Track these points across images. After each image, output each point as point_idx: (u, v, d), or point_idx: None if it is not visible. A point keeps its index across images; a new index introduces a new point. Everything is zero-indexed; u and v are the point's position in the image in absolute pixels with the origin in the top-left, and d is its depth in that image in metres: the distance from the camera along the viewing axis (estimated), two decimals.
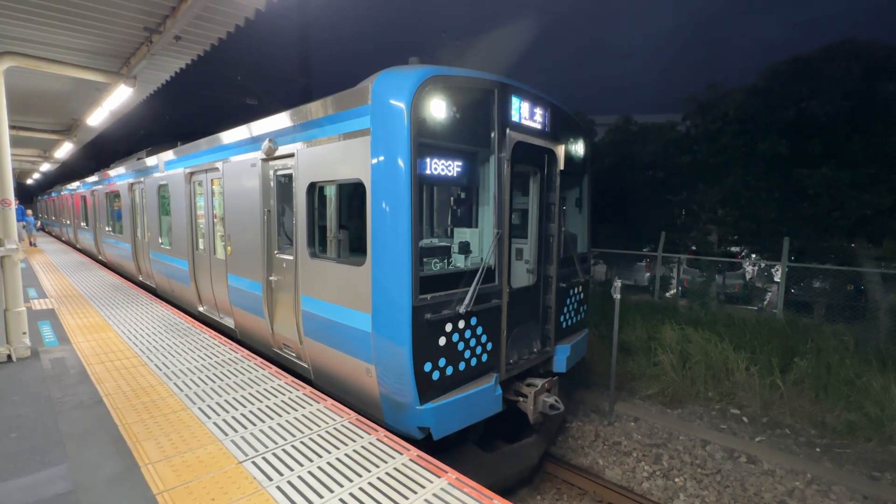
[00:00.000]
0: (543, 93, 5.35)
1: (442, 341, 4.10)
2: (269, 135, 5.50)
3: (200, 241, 7.78)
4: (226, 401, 4.24)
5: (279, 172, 5.53)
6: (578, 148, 6.22)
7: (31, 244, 19.04)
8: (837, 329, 8.19)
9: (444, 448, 4.41)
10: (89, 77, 6.86)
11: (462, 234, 4.97)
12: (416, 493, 2.90)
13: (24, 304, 5.45)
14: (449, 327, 4.14)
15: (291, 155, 5.12)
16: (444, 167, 4.18)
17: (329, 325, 4.62)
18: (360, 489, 2.92)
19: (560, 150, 5.51)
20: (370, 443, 3.54)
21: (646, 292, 13.40)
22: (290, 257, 5.25)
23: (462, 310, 4.16)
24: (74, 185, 19.46)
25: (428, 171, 4.04)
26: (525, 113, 4.90)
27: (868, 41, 10.80)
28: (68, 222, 21.45)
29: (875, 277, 9.08)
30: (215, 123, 9.59)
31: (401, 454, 3.38)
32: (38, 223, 23.09)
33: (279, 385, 4.68)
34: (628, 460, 6.39)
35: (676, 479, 5.95)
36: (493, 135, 4.55)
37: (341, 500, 2.82)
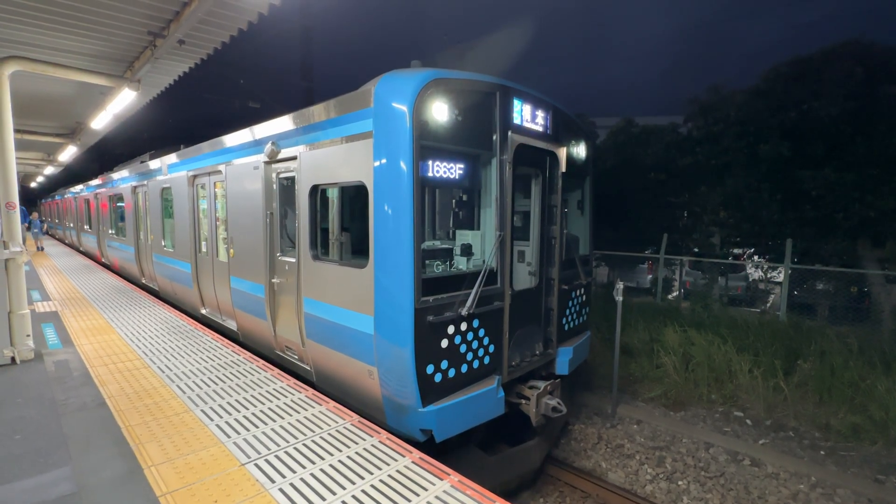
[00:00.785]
0: (545, 95, 5.37)
1: (444, 343, 4.10)
2: (271, 138, 5.53)
3: (203, 243, 7.80)
4: (228, 403, 4.24)
5: (282, 175, 5.55)
6: (580, 150, 6.22)
7: (38, 248, 18.58)
8: (841, 331, 8.16)
9: (446, 451, 4.40)
10: (93, 81, 6.90)
11: (464, 236, 4.98)
12: (418, 495, 2.90)
13: (28, 306, 5.47)
14: (451, 329, 4.14)
15: (294, 158, 5.14)
16: (446, 170, 4.19)
17: (331, 328, 4.62)
18: (363, 491, 2.92)
19: (562, 153, 5.52)
20: (372, 445, 3.54)
21: (648, 294, 13.38)
22: (293, 260, 5.26)
23: (464, 312, 4.16)
24: (78, 188, 19.55)
25: (430, 174, 4.05)
26: (527, 115, 4.91)
27: (870, 43, 10.79)
28: (72, 225, 21.53)
29: (879, 279, 9.05)
30: (218, 127, 9.63)
31: (403, 457, 3.38)
32: (45, 226, 22.62)
33: (281, 387, 4.68)
34: (631, 463, 6.37)
35: (680, 483, 5.93)
36: (494, 137, 4.56)
37: (343, 502, 2.81)
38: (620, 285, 7.08)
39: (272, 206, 5.70)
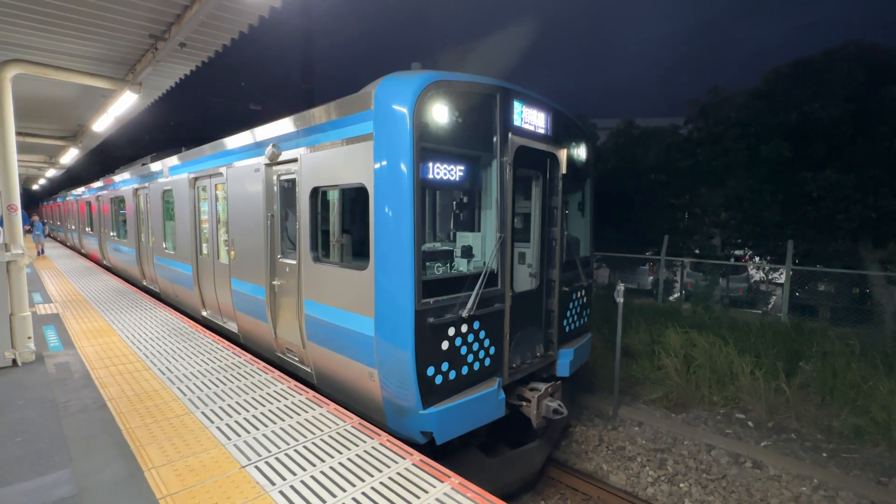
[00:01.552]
0: (545, 97, 5.37)
1: (445, 345, 4.09)
2: (272, 140, 5.54)
3: (204, 245, 7.81)
4: (228, 405, 4.24)
5: (282, 177, 5.56)
6: (581, 152, 6.22)
7: (38, 253, 18.12)
8: (843, 332, 8.14)
9: (446, 453, 4.39)
10: (95, 84, 6.93)
11: (464, 238, 4.98)
12: (418, 497, 2.89)
13: (30, 308, 5.48)
14: (452, 331, 4.13)
15: (295, 160, 5.15)
16: (446, 171, 4.19)
17: (332, 330, 4.62)
18: (363, 494, 2.92)
19: (562, 154, 5.51)
20: (373, 447, 3.54)
21: (649, 296, 13.38)
22: (294, 262, 5.27)
23: (465, 314, 4.15)
24: (79, 190, 19.60)
25: (430, 176, 4.05)
26: (527, 117, 4.91)
27: (871, 44, 10.78)
28: (73, 227, 21.58)
29: (880, 280, 9.03)
30: (219, 129, 9.66)
31: (403, 459, 3.37)
32: (46, 229, 22.04)
33: (282, 389, 4.68)
34: (633, 465, 6.35)
35: (681, 485, 5.91)
36: (495, 139, 4.56)
37: None
38: (621, 287, 7.08)
39: (273, 208, 5.71)
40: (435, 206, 6.31)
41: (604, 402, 7.81)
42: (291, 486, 2.97)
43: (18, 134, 10.58)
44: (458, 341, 4.21)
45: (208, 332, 6.87)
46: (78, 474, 3.09)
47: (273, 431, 3.73)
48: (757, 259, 12.76)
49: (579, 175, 6.26)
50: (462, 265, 4.73)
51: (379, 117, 3.96)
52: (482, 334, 4.44)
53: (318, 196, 4.93)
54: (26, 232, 16.26)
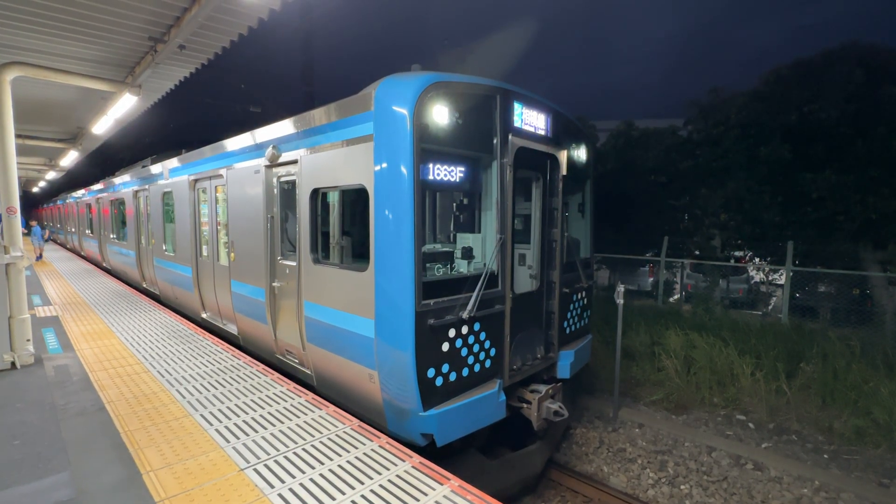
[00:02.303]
0: (545, 98, 5.37)
1: (445, 347, 4.08)
2: (272, 142, 5.54)
3: (204, 247, 7.81)
4: (228, 407, 4.23)
5: (282, 179, 5.56)
6: (581, 153, 6.21)
7: (37, 258, 17.40)
8: (843, 333, 8.12)
9: (447, 455, 4.38)
10: (95, 86, 6.94)
11: (465, 239, 4.97)
12: (418, 500, 2.88)
13: (29, 311, 5.48)
14: (452, 333, 4.12)
15: (295, 161, 5.14)
16: (446, 173, 4.18)
17: (332, 331, 4.61)
18: (362, 496, 2.91)
19: (562, 156, 5.51)
20: (372, 450, 3.52)
21: (649, 297, 13.36)
22: (294, 263, 5.26)
23: (465, 315, 4.14)
24: (79, 192, 19.61)
25: (431, 177, 4.04)
26: (527, 118, 4.91)
27: (870, 45, 10.80)
28: (73, 230, 21.58)
29: (881, 281, 9.01)
30: (219, 131, 9.66)
31: (403, 461, 3.36)
32: (47, 233, 21.04)
33: (281, 392, 4.67)
34: (633, 467, 6.33)
35: (682, 487, 5.89)
36: (495, 140, 4.56)
37: None
38: (621, 288, 7.06)
39: (273, 210, 5.71)
40: (435, 207, 6.31)
41: (604, 404, 7.79)
42: (290, 489, 2.96)
43: (18, 136, 10.60)
44: (459, 343, 4.19)
45: (207, 334, 6.86)
46: (76, 477, 3.08)
47: (272, 434, 3.72)
48: (757, 260, 12.75)
49: (579, 176, 6.26)
50: (462, 266, 4.72)
51: (379, 118, 3.96)
52: (483, 336, 4.43)
53: (319, 198, 4.93)
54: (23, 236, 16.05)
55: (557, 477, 6.09)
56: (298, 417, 4.06)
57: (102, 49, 6.25)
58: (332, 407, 4.34)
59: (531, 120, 4.98)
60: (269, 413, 4.13)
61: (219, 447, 3.49)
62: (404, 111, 3.80)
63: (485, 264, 4.54)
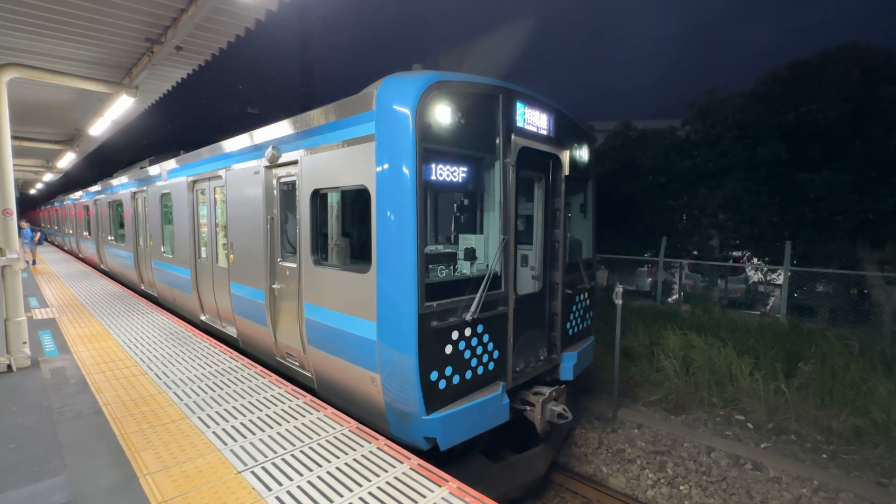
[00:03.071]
0: (547, 98, 5.34)
1: (448, 349, 4.03)
2: (272, 142, 5.49)
3: (203, 249, 7.77)
4: (226, 410, 4.21)
5: (282, 180, 5.51)
6: (583, 153, 6.15)
7: (29, 263, 16.47)
8: (842, 333, 8.12)
9: (450, 459, 4.33)
10: (91, 87, 6.91)
11: (467, 240, 4.92)
12: (416, 502, 2.87)
13: (25, 313, 5.45)
14: (455, 335, 4.07)
15: (295, 162, 5.10)
16: (449, 173, 4.13)
17: (333, 334, 4.57)
18: (360, 499, 2.89)
19: (565, 156, 5.46)
20: (370, 452, 3.51)
21: (648, 298, 13.36)
22: (294, 265, 5.23)
23: (468, 317, 4.08)
24: (77, 194, 19.56)
25: (433, 177, 3.99)
26: (529, 118, 4.86)
27: (866, 45, 10.83)
28: (70, 232, 21.52)
29: (878, 281, 9.03)
30: (217, 133, 9.63)
31: (401, 463, 3.35)
32: (38, 235, 20.38)
33: (279, 394, 4.65)
34: (632, 468, 6.32)
35: (681, 487, 5.88)
36: (497, 140, 4.51)
37: None
38: (620, 288, 7.06)
39: (273, 211, 5.67)
40: (437, 208, 6.27)
41: (603, 405, 7.79)
42: (288, 492, 2.95)
43: (14, 138, 10.57)
44: (462, 345, 4.15)
45: (206, 336, 6.83)
46: (72, 481, 3.07)
47: (270, 436, 3.71)
48: (755, 260, 12.77)
49: (581, 176, 6.20)
50: (465, 268, 4.67)
51: (381, 118, 3.91)
52: (486, 338, 4.37)
53: (319, 198, 4.88)
54: None
55: (556, 478, 6.08)
56: (296, 419, 4.05)
57: (99, 50, 6.23)
58: (331, 409, 4.33)
59: (533, 119, 4.93)
60: (267, 415, 4.12)
61: (216, 450, 3.47)
62: (406, 111, 3.76)
63: (487, 265, 4.50)
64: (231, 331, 6.93)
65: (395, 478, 3.15)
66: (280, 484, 3.04)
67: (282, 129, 5.37)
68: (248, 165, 6.05)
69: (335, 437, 3.72)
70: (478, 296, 4.16)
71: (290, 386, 4.89)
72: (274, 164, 5.42)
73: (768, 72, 11.84)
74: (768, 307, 11.75)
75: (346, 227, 4.73)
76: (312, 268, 4.85)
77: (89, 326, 7.32)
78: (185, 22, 5.24)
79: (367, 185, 4.04)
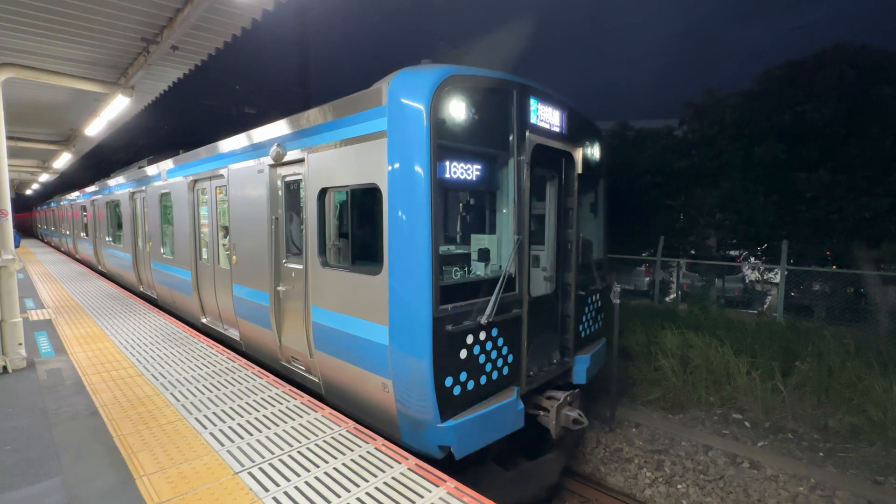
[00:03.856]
0: (560, 94, 5.22)
1: (463, 354, 3.88)
2: (277, 139, 5.32)
3: (204, 250, 7.65)
4: (223, 410, 4.20)
5: (288, 178, 5.35)
6: (595, 151, 5.99)
7: None
8: (838, 332, 8.16)
9: (462, 467, 4.18)
10: (87, 87, 6.89)
11: (480, 240, 4.76)
12: (414, 502, 2.87)
13: (21, 314, 5.43)
14: (470, 339, 3.93)
15: (301, 160, 4.94)
16: (463, 171, 3.98)
17: (342, 338, 4.41)
18: (357, 499, 2.89)
19: (578, 154, 5.32)
20: (368, 452, 3.51)
21: (645, 297, 13.39)
22: (300, 266, 5.09)
23: (483, 320, 3.94)
24: (74, 194, 19.47)
25: (447, 175, 3.84)
26: (542, 114, 4.73)
27: (861, 45, 10.89)
28: (68, 233, 21.42)
29: (875, 280, 9.07)
30: (214, 133, 9.61)
31: (399, 463, 3.35)
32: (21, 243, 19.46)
33: (277, 394, 4.64)
34: (630, 467, 6.34)
35: (679, 486, 5.90)
36: (511, 137, 4.38)
37: None
38: (617, 288, 7.06)
39: (277, 211, 5.51)
40: (449, 207, 6.16)
41: (601, 404, 7.80)
42: (285, 493, 2.94)
43: (10, 138, 10.52)
44: (477, 349, 4.00)
45: (203, 337, 6.80)
46: (68, 483, 3.05)
47: (267, 437, 3.70)
48: (752, 259, 12.81)
49: (593, 175, 6.03)
50: (479, 269, 4.53)
51: (393, 113, 3.76)
52: (500, 342, 4.22)
53: (327, 197, 4.73)
54: None
55: None
56: (293, 420, 4.04)
57: (94, 50, 6.21)
58: (328, 409, 4.31)
59: (547, 116, 4.80)
60: (265, 416, 4.11)
61: (213, 451, 3.46)
62: (420, 106, 3.62)
63: (501, 266, 4.38)
64: (233, 334, 6.81)
65: (393, 478, 3.14)
66: (277, 485, 3.03)
67: (287, 126, 5.20)
68: (252, 164, 5.87)
69: (333, 438, 3.72)
70: (493, 298, 4.03)
71: (288, 386, 4.87)
72: (279, 162, 5.25)
73: (764, 71, 11.90)
74: (765, 306, 11.79)
75: (355, 227, 4.53)
76: (320, 269, 4.70)
77: (86, 327, 7.29)
78: (181, 22, 5.23)
79: (378, 183, 3.90)
